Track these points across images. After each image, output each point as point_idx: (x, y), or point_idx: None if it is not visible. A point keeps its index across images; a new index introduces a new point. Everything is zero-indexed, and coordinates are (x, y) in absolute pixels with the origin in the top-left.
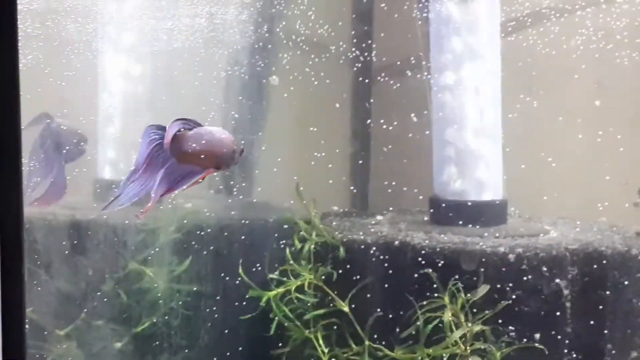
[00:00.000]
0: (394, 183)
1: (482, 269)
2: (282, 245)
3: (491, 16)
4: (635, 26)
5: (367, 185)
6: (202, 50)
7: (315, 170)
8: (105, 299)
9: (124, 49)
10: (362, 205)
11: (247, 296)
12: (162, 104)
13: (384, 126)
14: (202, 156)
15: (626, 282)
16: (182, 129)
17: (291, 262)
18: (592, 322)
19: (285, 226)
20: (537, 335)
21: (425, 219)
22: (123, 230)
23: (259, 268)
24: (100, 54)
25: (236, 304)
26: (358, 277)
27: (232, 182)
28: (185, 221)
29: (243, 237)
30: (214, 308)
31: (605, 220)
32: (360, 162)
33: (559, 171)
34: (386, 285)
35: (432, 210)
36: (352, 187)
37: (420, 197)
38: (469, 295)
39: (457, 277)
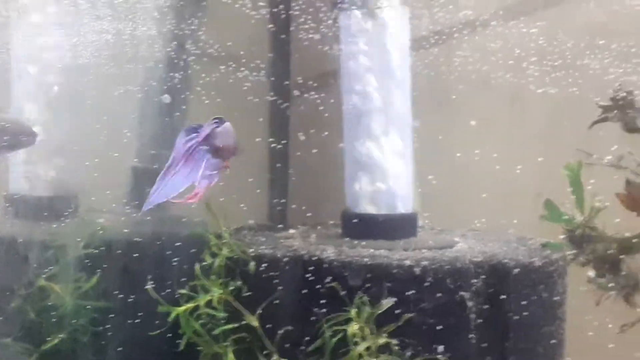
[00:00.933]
0: (312, 197)
1: (388, 283)
2: (193, 261)
3: (400, 31)
4: (544, 39)
5: (286, 199)
6: (109, 66)
7: (234, 184)
8: (12, 317)
9: (30, 63)
10: (280, 219)
11: (157, 312)
12: (66, 120)
13: (303, 140)
14: (229, 149)
15: (529, 293)
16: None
17: (201, 277)
18: (496, 333)
19: (197, 241)
20: (441, 347)
21: (339, 232)
22: (31, 246)
23: (170, 283)
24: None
25: (146, 319)
26: (268, 291)
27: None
28: (95, 237)
29: (154, 253)
30: (124, 324)
31: (513, 232)
32: (280, 175)
33: (473, 183)
34: (295, 300)
35: (343, 224)
36: (272, 201)
37: (338, 211)
38: (374, 308)
39: (363, 290)
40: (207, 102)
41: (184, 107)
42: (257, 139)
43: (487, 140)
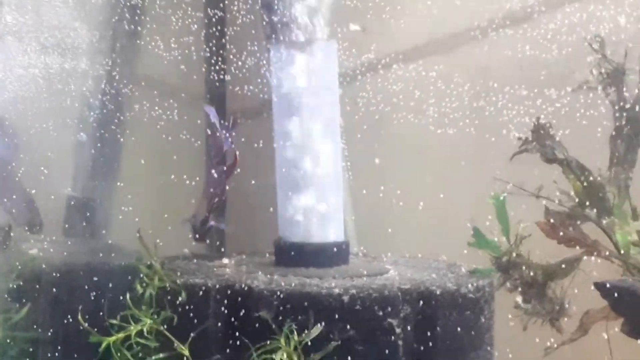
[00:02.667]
0: (250, 226)
1: (317, 311)
2: (125, 290)
3: (329, 62)
4: (475, 66)
5: (223, 228)
6: (40, 99)
7: (171, 213)
8: None
9: None
10: (218, 248)
11: (88, 342)
12: None
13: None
14: None
15: (456, 319)
16: None
17: (131, 307)
18: (424, 358)
19: (129, 271)
20: None
21: (272, 260)
22: None
23: (101, 314)
24: None
25: (78, 350)
26: (198, 320)
27: (83, 225)
28: (27, 267)
29: (86, 283)
30: (55, 355)
31: (445, 258)
32: (217, 203)
33: (407, 210)
34: (225, 329)
35: (276, 252)
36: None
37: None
38: (302, 336)
39: (292, 319)
40: (142, 134)
41: (118, 139)
42: (194, 167)
43: (419, 170)
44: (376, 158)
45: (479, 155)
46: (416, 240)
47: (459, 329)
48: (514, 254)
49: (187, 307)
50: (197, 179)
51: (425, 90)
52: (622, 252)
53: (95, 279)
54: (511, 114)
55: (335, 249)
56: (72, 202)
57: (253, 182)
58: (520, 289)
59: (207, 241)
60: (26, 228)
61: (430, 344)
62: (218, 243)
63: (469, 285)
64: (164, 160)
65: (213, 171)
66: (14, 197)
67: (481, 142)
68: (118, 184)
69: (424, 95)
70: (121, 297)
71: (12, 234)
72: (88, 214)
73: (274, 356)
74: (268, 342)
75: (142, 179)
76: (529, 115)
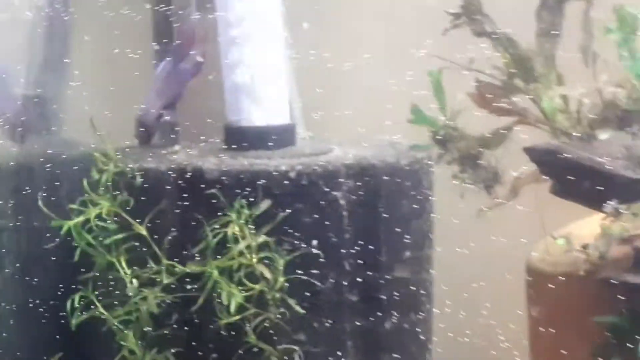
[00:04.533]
0: (200, 115)
1: (265, 187)
2: (82, 178)
3: None
4: None
5: (175, 119)
6: None
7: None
8: None
9: None
10: (171, 137)
11: (49, 226)
12: None
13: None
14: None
15: (396, 190)
16: None
17: (89, 192)
18: (368, 227)
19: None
20: (315, 242)
21: (221, 145)
22: None
23: (61, 201)
24: None
25: (41, 235)
26: (154, 202)
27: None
28: None
29: (44, 173)
30: (20, 242)
31: (387, 137)
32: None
33: (352, 94)
34: (180, 208)
35: (225, 137)
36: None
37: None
38: (252, 210)
39: (242, 195)
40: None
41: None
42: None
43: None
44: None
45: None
46: (360, 122)
47: (400, 199)
48: (450, 128)
49: (142, 190)
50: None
51: None
52: (548, 118)
53: (53, 169)
54: None
55: (281, 132)
56: (27, 99)
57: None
58: (457, 161)
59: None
60: None
61: (374, 214)
62: (170, 135)
63: (408, 159)
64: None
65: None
66: None
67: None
68: (69, 80)
69: None
70: (78, 185)
71: None
72: (41, 110)
73: (227, 230)
74: (220, 217)
75: (94, 75)
76: None
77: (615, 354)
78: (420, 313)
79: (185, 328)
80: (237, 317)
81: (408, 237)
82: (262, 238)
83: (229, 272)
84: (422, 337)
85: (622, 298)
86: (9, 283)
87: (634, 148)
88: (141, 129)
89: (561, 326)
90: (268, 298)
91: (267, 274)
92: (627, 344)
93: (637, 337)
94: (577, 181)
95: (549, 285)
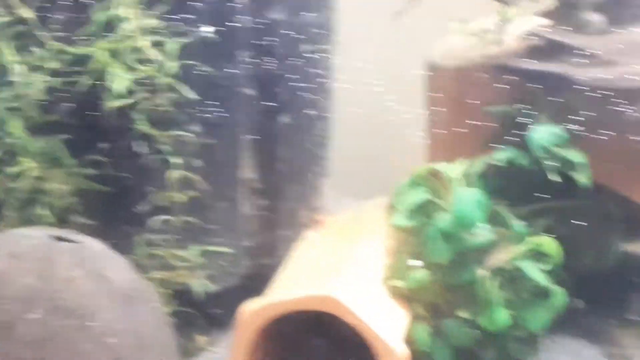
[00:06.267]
0: None
1: None
2: None
3: None
4: None
5: None
6: None
7: None
8: None
9: None
10: None
11: None
12: None
13: None
14: None
15: None
16: None
17: None
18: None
19: None
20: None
21: None
22: None
23: None
24: None
25: None
26: None
27: None
28: None
29: None
30: None
31: None
32: None
33: None
34: None
35: None
36: None
37: None
38: None
39: None
40: None
41: None
42: None
43: None
44: None
45: None
46: None
47: None
48: None
49: None
50: None
51: None
52: None
53: None
54: None
55: None
56: None
57: None
58: None
59: None
60: None
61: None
62: None
63: None
64: None
65: None
66: None
67: None
68: None
69: None
70: None
71: None
72: None
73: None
74: None
75: None
76: None
77: (505, 142)
78: (319, 109)
79: (74, 114)
80: (129, 102)
81: (308, 30)
82: (153, 20)
83: (119, 55)
84: (319, 134)
85: (516, 86)
86: None
87: None
88: None
89: (457, 119)
90: (158, 83)
91: (157, 57)
92: (517, 131)
93: (527, 124)
94: None
95: (448, 79)
